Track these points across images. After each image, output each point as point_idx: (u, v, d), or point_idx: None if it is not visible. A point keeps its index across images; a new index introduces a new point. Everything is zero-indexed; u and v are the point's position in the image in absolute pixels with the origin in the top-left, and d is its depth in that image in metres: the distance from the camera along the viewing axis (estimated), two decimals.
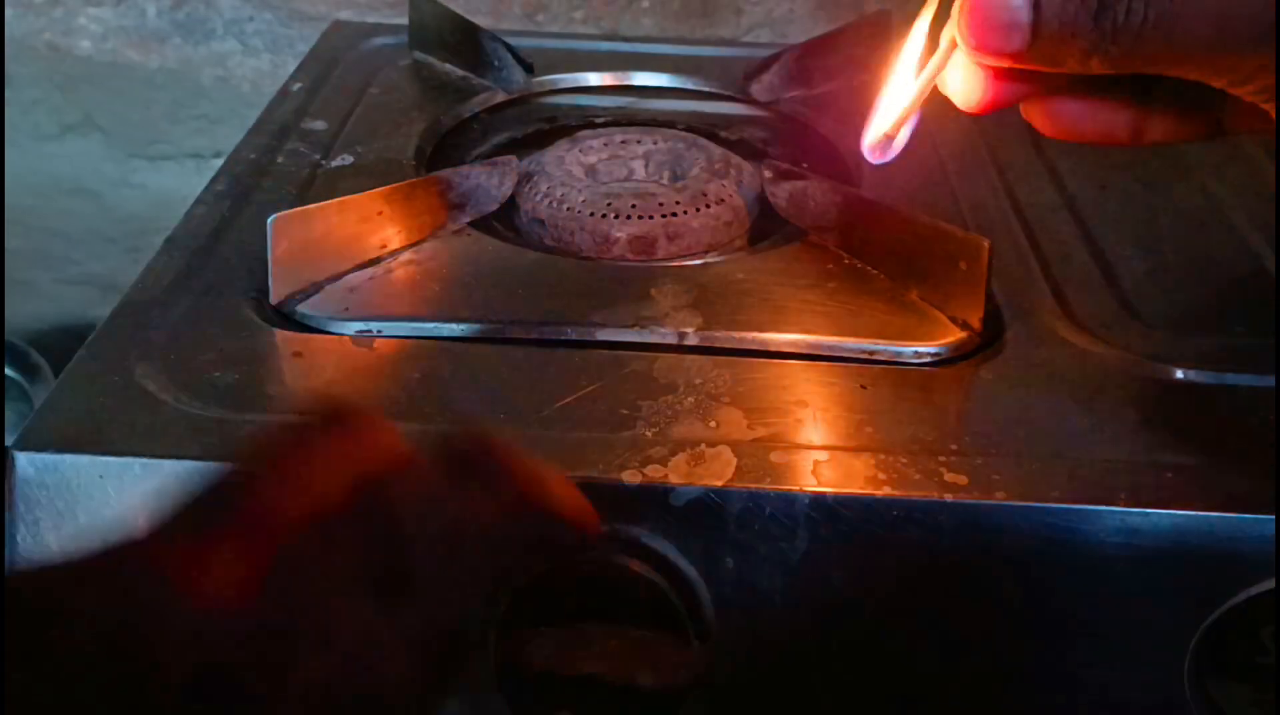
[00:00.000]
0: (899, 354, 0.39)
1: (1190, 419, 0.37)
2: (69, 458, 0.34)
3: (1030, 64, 0.29)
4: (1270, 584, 0.33)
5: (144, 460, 0.34)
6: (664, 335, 0.40)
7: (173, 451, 0.34)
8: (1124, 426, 0.37)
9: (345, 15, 0.68)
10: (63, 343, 0.39)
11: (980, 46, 0.29)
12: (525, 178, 0.48)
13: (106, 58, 0.84)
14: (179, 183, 0.87)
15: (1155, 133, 0.32)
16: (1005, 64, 0.30)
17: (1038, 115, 0.32)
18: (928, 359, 0.39)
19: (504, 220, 0.48)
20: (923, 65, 0.33)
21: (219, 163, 0.50)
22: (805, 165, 0.46)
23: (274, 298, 0.41)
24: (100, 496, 0.34)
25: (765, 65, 0.58)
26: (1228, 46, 0.28)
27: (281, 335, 0.40)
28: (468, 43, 0.60)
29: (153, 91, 0.85)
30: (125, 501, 0.34)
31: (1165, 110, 0.32)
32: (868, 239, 0.44)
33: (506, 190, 0.48)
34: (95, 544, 0.23)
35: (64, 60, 0.84)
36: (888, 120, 0.34)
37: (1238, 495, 0.33)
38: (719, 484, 0.33)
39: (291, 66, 0.60)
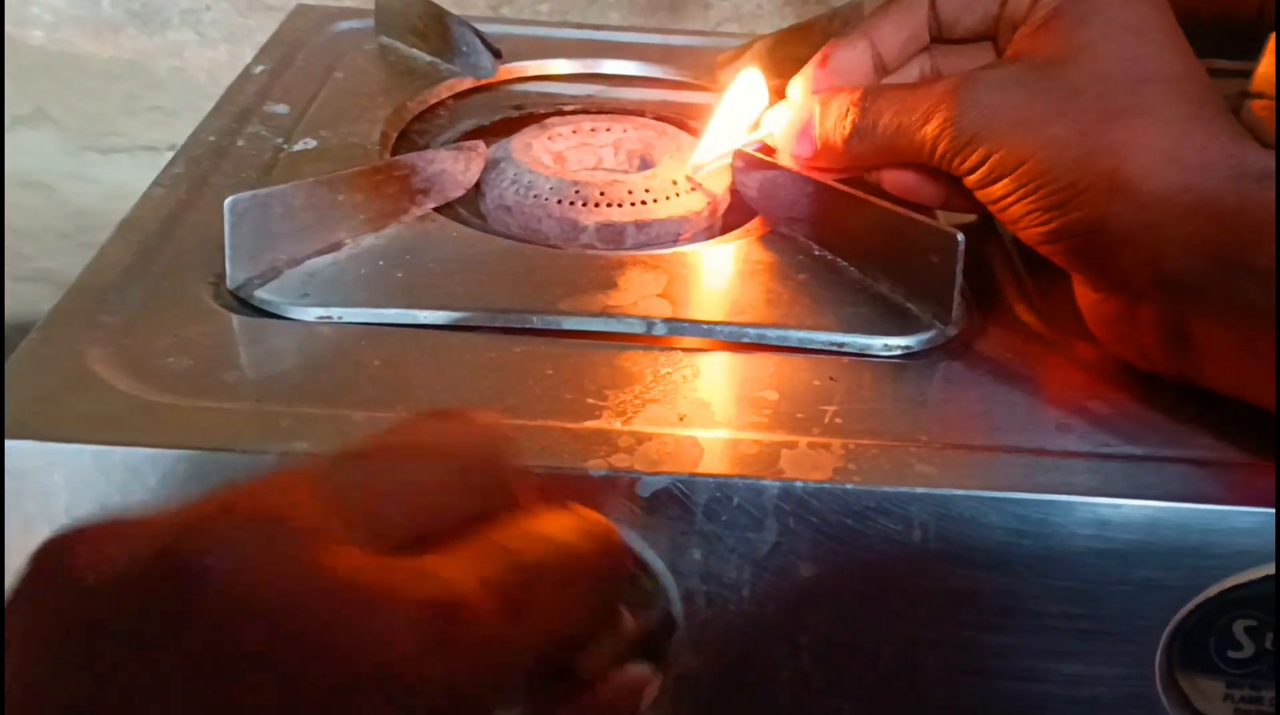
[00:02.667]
0: (868, 346, 0.39)
1: (1164, 411, 0.37)
2: (17, 445, 0.32)
3: (821, 163, 0.44)
4: (1243, 577, 0.33)
5: (95, 447, 0.33)
6: (632, 325, 0.39)
7: (125, 439, 0.33)
8: (1096, 418, 0.36)
9: (307, 1, 0.67)
10: (14, 339, 0.37)
11: (792, 153, 0.44)
12: (492, 164, 0.48)
13: (59, 48, 0.82)
14: (133, 176, 0.85)
15: (955, 204, 0.43)
16: (808, 162, 0.44)
17: (884, 181, 0.43)
18: (897, 352, 0.39)
19: (470, 207, 0.48)
20: (754, 127, 0.46)
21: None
22: (776, 155, 0.45)
23: (231, 282, 0.39)
24: (49, 485, 0.33)
25: (737, 55, 0.57)
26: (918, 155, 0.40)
27: (239, 320, 0.39)
28: (435, 28, 0.59)
29: (106, 83, 0.83)
30: (74, 490, 0.33)
31: (960, 186, 0.40)
32: (838, 230, 0.43)
33: (473, 176, 0.47)
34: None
35: (15, 50, 0.82)
36: (715, 154, 0.46)
37: (1212, 488, 0.33)
38: (686, 473, 0.33)
39: (249, 57, 0.59)
